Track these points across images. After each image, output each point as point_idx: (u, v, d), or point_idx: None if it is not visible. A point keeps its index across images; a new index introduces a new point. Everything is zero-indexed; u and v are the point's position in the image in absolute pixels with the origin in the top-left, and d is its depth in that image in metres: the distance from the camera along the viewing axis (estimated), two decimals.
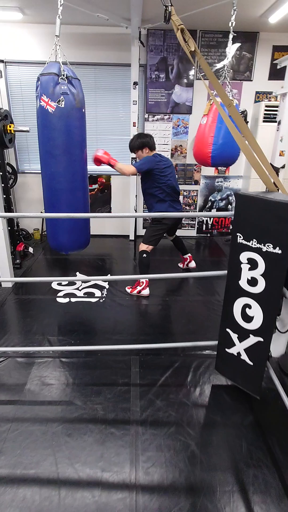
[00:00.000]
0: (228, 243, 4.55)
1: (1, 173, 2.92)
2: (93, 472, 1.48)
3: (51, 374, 2.06)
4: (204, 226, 4.73)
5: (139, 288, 3.06)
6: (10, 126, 3.23)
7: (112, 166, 2.77)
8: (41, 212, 4.15)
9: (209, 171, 4.44)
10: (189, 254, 3.59)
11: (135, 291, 3.06)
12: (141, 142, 2.90)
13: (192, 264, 3.59)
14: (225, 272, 1.79)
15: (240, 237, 1.60)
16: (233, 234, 1.64)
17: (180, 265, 3.65)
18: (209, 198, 4.61)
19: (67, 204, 2.44)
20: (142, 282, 3.06)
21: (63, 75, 2.09)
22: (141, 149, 2.92)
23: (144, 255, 3.00)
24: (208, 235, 4.77)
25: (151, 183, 2.92)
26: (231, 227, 4.79)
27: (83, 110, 2.42)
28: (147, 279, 3.07)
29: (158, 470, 1.49)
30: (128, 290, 3.09)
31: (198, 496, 1.39)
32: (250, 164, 1.59)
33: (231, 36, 2.48)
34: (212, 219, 4.71)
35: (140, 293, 3.05)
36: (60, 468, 1.49)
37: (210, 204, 4.64)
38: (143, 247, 3.03)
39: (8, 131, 3.22)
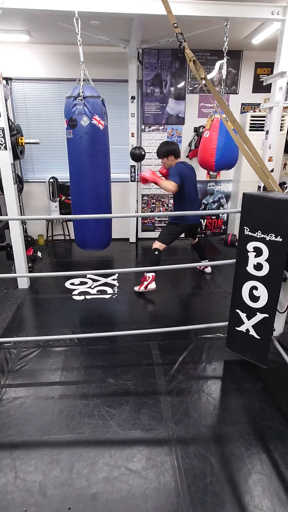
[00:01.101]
0: (221, 242, 4.91)
1: (16, 183, 3.15)
2: (135, 433, 1.74)
3: (81, 359, 2.31)
4: (198, 227, 5.07)
5: (145, 283, 3.29)
6: (21, 139, 3.47)
7: (157, 184, 3.07)
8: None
9: (202, 176, 4.80)
10: (207, 259, 3.75)
11: (142, 287, 3.28)
12: (167, 149, 3.14)
13: (208, 269, 3.78)
14: (233, 260, 2.11)
15: (247, 229, 1.92)
16: (240, 228, 1.96)
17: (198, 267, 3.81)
18: (202, 201, 4.97)
19: (97, 207, 2.76)
20: (148, 277, 3.28)
21: (102, 98, 2.42)
22: (166, 157, 3.16)
23: (156, 252, 3.18)
24: (203, 235, 5.12)
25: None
26: (223, 228, 5.16)
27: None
28: (153, 274, 3.31)
29: (188, 428, 1.77)
30: (136, 289, 3.30)
31: (224, 444, 1.68)
32: (253, 169, 1.93)
33: (225, 59, 2.84)
34: (205, 220, 5.06)
35: (147, 288, 3.28)
36: (106, 431, 1.75)
37: (203, 206, 5.00)
38: (156, 244, 3.22)
39: (20, 144, 3.47)
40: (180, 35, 1.82)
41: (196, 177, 3.30)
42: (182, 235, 3.42)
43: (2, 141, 2.87)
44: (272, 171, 3.28)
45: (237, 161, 3.07)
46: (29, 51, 4.09)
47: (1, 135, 2.85)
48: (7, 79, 4.04)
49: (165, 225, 3.46)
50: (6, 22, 3.26)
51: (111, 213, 3.01)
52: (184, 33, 1.93)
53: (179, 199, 3.22)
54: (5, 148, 2.91)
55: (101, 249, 3.12)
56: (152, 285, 3.29)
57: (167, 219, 5.03)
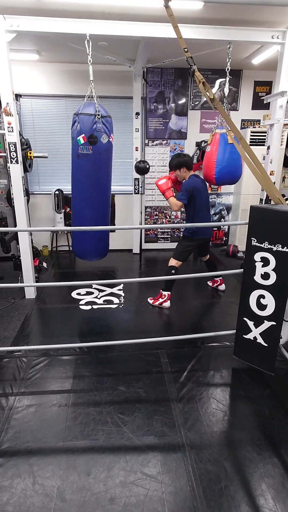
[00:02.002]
0: (223, 253, 5.01)
1: (26, 196, 3.24)
2: (149, 439, 1.78)
3: (91, 367, 2.35)
4: (209, 242, 5.17)
5: (161, 300, 3.24)
6: (30, 153, 3.58)
7: (165, 197, 3.09)
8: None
9: None
10: (221, 278, 3.68)
11: (156, 303, 3.24)
12: (179, 161, 3.06)
13: (222, 287, 3.65)
14: (241, 270, 2.19)
15: (254, 240, 2.01)
16: (248, 239, 2.05)
17: (210, 283, 3.76)
18: None
19: (96, 217, 2.84)
20: (164, 295, 3.23)
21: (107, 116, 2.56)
22: (179, 169, 3.09)
23: (173, 271, 3.12)
24: None
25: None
26: (224, 239, 5.26)
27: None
28: (169, 293, 3.24)
29: (201, 433, 1.81)
30: (150, 301, 3.29)
31: (237, 449, 1.72)
32: (260, 184, 2.03)
33: (227, 79, 2.99)
34: None
35: (161, 305, 3.23)
36: (120, 438, 1.78)
37: None
38: (172, 262, 3.15)
39: (29, 157, 3.57)
40: (191, 59, 1.94)
41: (207, 192, 3.21)
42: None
43: (14, 155, 2.97)
44: (273, 183, 3.41)
45: (240, 177, 3.17)
46: (37, 69, 4.26)
47: (13, 149, 2.95)
48: (17, 96, 4.18)
49: (179, 241, 3.37)
50: (18, 42, 3.41)
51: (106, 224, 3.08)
52: (189, 52, 2.06)
53: (190, 213, 3.14)
54: (17, 161, 3.01)
55: (99, 259, 3.19)
56: (167, 304, 3.24)
57: (169, 231, 5.13)
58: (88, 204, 2.76)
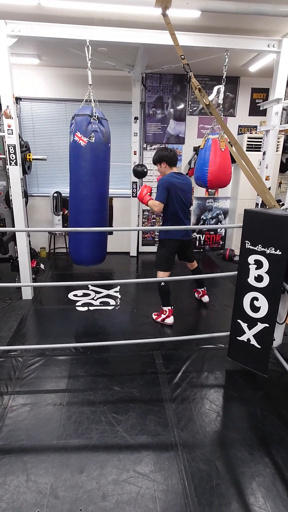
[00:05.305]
0: (219, 256, 5.05)
1: (24, 198, 3.27)
2: (142, 438, 1.79)
3: (87, 368, 2.37)
4: (197, 242, 5.22)
5: (163, 316, 3.04)
6: (29, 155, 3.62)
7: (144, 203, 2.88)
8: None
9: (201, 192, 4.99)
10: (203, 289, 3.46)
11: (159, 319, 3.06)
12: (159, 155, 2.86)
13: (206, 298, 3.45)
14: (235, 272, 2.23)
15: (248, 243, 2.05)
16: (242, 242, 2.09)
17: (196, 294, 3.53)
18: (201, 217, 5.14)
19: (91, 222, 2.82)
20: (165, 311, 3.03)
21: (95, 116, 2.54)
22: (159, 163, 2.88)
23: (162, 283, 2.95)
24: (201, 250, 5.26)
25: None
26: (221, 243, 5.31)
27: (109, 145, 2.77)
28: (170, 308, 3.03)
29: (193, 433, 1.83)
30: (154, 317, 3.10)
31: (228, 449, 1.74)
32: (253, 187, 2.07)
33: (223, 86, 3.06)
34: (204, 236, 5.21)
35: (164, 321, 3.03)
36: (114, 436, 1.80)
37: (202, 222, 5.16)
38: (159, 274, 2.98)
39: (28, 160, 3.61)
40: (187, 66, 2.00)
41: (191, 193, 2.97)
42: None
43: (13, 157, 3.01)
44: (269, 189, 3.46)
45: (229, 181, 3.22)
46: (37, 73, 4.31)
47: (13, 151, 2.99)
48: (17, 99, 4.22)
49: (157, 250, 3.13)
50: (19, 47, 3.46)
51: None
52: (186, 59, 2.11)
53: (165, 212, 2.90)
54: (16, 163, 3.04)
55: (96, 264, 3.09)
56: (170, 320, 3.01)
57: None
58: (86, 205, 2.77)
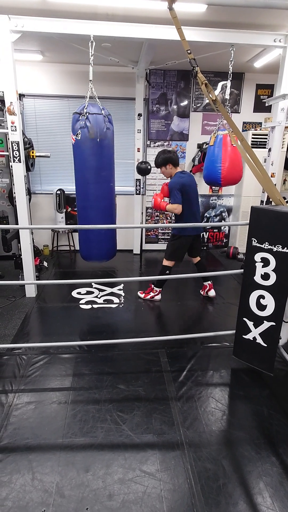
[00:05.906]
0: (223, 254, 5.02)
1: (27, 195, 3.26)
2: (147, 437, 1.78)
3: (91, 366, 2.36)
4: (200, 240, 5.18)
5: (152, 294, 3.38)
6: (32, 152, 3.60)
7: (162, 209, 3.06)
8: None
9: (205, 190, 4.95)
10: (210, 282, 3.51)
11: (148, 297, 3.37)
12: (164, 158, 3.02)
13: (212, 292, 3.49)
14: (241, 270, 2.20)
15: (254, 241, 2.02)
16: (248, 239, 2.06)
17: (201, 292, 3.58)
18: (205, 215, 5.11)
19: (85, 219, 2.84)
20: (156, 291, 3.36)
21: (84, 113, 2.54)
22: (164, 166, 3.06)
23: (167, 271, 3.20)
24: (205, 248, 5.23)
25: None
26: (225, 241, 5.28)
27: (100, 140, 2.70)
28: (161, 289, 3.40)
29: (199, 432, 1.81)
30: (141, 295, 3.41)
31: (235, 448, 1.73)
32: (261, 185, 2.04)
33: (229, 82, 3.01)
34: (207, 233, 5.18)
35: (153, 298, 3.38)
36: (119, 435, 1.79)
37: (206, 220, 5.13)
38: (165, 262, 3.20)
39: (31, 157, 3.59)
40: (193, 61, 1.97)
41: (196, 187, 3.18)
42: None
43: (16, 154, 2.99)
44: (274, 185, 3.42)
45: (241, 176, 3.17)
46: (41, 69, 4.28)
47: (16, 148, 2.97)
48: (20, 95, 4.19)
49: (169, 238, 3.43)
50: (22, 43, 3.44)
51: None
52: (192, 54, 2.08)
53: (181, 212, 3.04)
54: (19, 161, 3.03)
55: (106, 260, 3.19)
56: (158, 297, 3.40)
57: (170, 231, 5.14)
58: (80, 201, 2.78)
